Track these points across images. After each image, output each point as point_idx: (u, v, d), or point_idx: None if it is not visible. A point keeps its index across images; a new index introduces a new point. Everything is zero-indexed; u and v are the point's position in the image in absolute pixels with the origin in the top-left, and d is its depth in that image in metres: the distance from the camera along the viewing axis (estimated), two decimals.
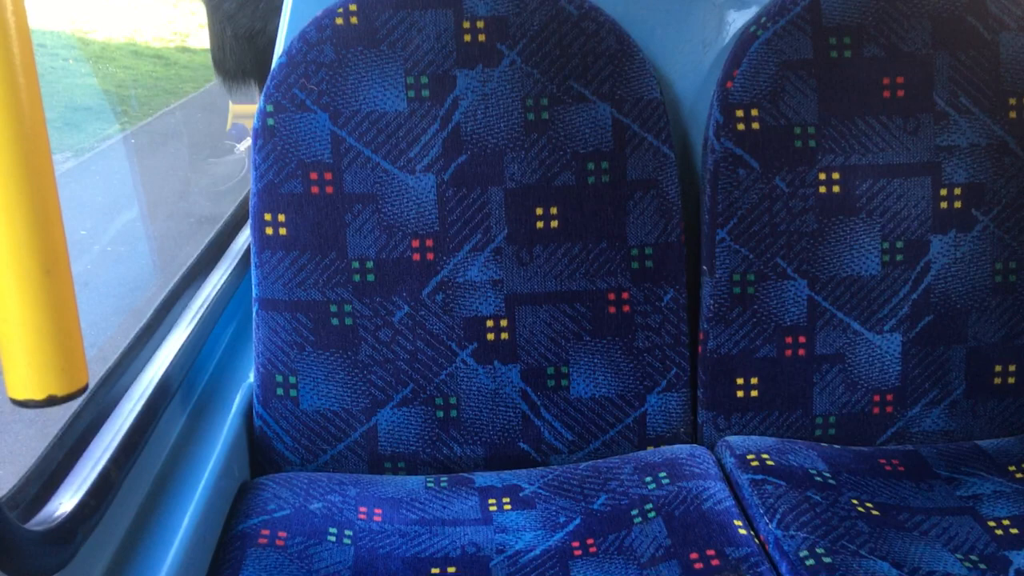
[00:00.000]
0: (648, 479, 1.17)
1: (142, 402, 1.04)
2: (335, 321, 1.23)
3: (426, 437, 1.25)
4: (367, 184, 1.22)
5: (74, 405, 0.99)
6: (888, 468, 1.20)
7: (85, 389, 0.63)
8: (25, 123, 0.61)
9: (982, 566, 1.03)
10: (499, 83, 1.23)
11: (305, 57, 1.21)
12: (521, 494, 1.18)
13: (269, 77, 1.22)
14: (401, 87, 1.22)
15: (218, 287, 1.35)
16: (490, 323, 1.24)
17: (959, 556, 1.04)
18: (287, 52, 1.22)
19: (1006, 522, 1.10)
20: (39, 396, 0.61)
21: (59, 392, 0.61)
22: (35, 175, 0.62)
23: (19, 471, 0.88)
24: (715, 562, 1.02)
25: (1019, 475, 1.19)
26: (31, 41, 0.62)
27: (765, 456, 1.20)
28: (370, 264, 1.23)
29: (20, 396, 0.61)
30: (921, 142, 1.25)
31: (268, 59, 1.42)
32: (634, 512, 1.12)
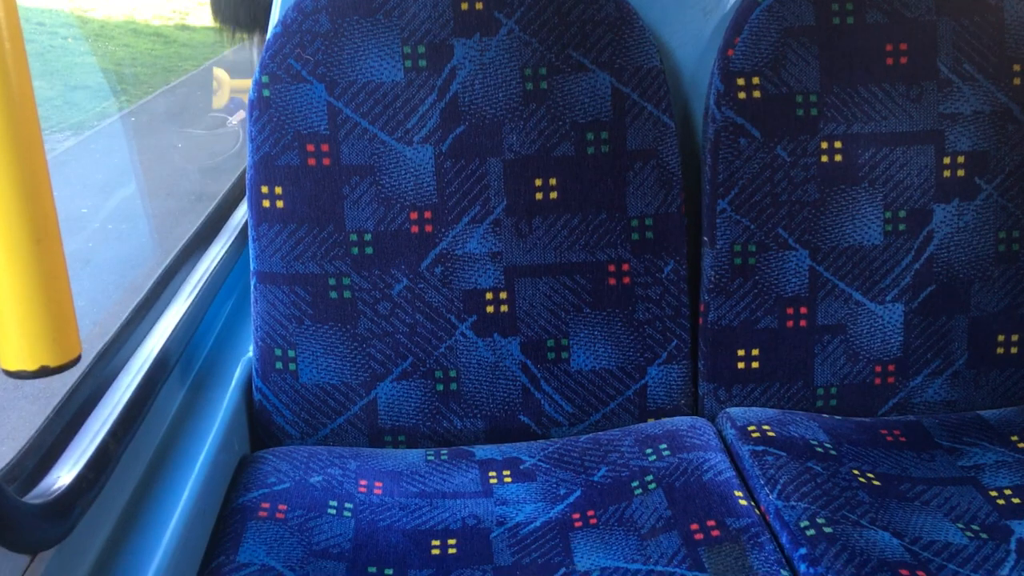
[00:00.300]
0: (649, 451, 1.17)
1: (141, 376, 1.04)
2: (334, 294, 1.22)
3: (426, 410, 1.25)
4: (364, 156, 1.21)
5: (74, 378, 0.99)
6: (889, 439, 1.20)
7: (78, 360, 0.63)
8: (13, 95, 0.60)
9: (983, 536, 1.02)
10: (497, 52, 1.22)
11: (300, 27, 1.20)
12: (521, 467, 1.18)
13: (264, 47, 1.21)
14: (398, 57, 1.21)
15: (216, 261, 1.34)
16: (489, 295, 1.24)
17: (960, 526, 1.04)
18: (282, 22, 1.20)
19: (1008, 492, 1.10)
20: (31, 367, 0.61)
21: (51, 363, 0.61)
22: (24, 146, 0.61)
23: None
24: (715, 533, 1.02)
25: (1021, 445, 1.18)
26: (18, 13, 0.61)
27: (766, 427, 1.19)
28: (368, 237, 1.22)
29: (12, 367, 0.61)
30: (924, 110, 1.24)
31: (265, 13, 1.41)
32: (634, 484, 1.12)
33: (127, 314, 1.15)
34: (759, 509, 1.08)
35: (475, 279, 1.23)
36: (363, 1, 1.20)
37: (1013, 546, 1.01)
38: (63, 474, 0.85)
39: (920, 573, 0.95)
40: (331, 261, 1.22)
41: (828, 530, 1.00)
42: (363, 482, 1.14)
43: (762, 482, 1.10)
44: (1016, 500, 1.08)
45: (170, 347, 1.13)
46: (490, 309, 1.24)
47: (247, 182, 1.22)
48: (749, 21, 1.23)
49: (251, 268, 1.23)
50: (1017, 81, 1.24)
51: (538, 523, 1.08)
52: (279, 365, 1.23)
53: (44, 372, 0.61)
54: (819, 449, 1.15)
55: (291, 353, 1.22)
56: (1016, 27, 1.24)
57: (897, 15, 1.23)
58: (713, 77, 1.25)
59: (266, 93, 1.20)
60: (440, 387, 1.24)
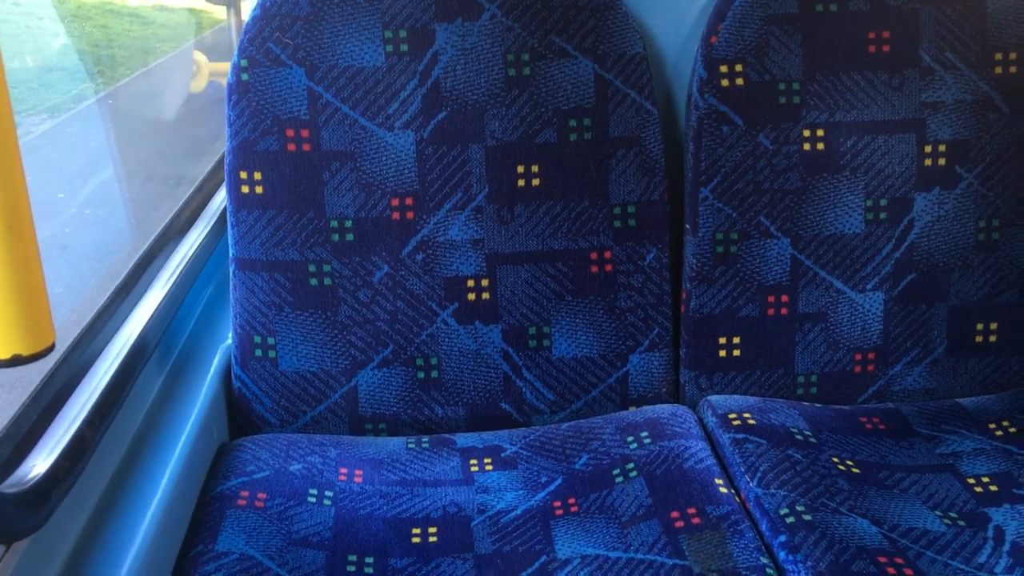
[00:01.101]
0: (630, 439, 1.17)
1: (118, 363, 1.03)
2: (314, 281, 1.21)
3: (407, 398, 1.24)
4: (345, 141, 1.20)
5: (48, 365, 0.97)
6: (869, 426, 1.21)
7: (51, 348, 0.62)
8: None
9: (961, 523, 1.03)
10: (479, 37, 1.21)
11: (279, 10, 1.18)
12: (503, 454, 1.18)
13: (243, 30, 1.19)
14: (379, 41, 1.20)
15: (195, 247, 1.33)
16: (471, 283, 1.23)
17: (939, 513, 1.05)
18: (261, 5, 1.18)
19: (986, 479, 1.11)
20: (3, 355, 0.59)
21: (24, 351, 0.60)
22: None
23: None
24: (696, 520, 1.02)
25: (999, 433, 1.19)
26: None
27: (747, 415, 1.19)
28: (349, 223, 1.21)
29: None
30: (906, 98, 1.24)
31: None
32: (616, 472, 1.12)
33: (104, 300, 1.13)
34: (739, 497, 1.08)
35: (457, 266, 1.23)
36: None
37: (991, 533, 1.01)
38: (39, 463, 0.84)
39: (898, 560, 0.96)
40: (311, 248, 1.21)
41: (808, 518, 1.01)
42: (343, 470, 1.13)
43: (742, 470, 1.10)
44: (993, 487, 1.09)
45: (148, 334, 1.11)
46: (472, 296, 1.23)
47: (226, 167, 1.20)
48: (732, 8, 1.22)
49: (230, 254, 1.22)
50: (999, 70, 1.24)
51: (519, 511, 1.08)
52: (258, 352, 1.22)
53: (17, 361, 0.60)
54: (799, 437, 1.16)
55: (271, 340, 1.21)
56: (998, 16, 1.24)
57: (880, 3, 1.23)
58: (696, 64, 1.24)
59: (245, 77, 1.18)
60: (421, 375, 1.24)
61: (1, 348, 0.59)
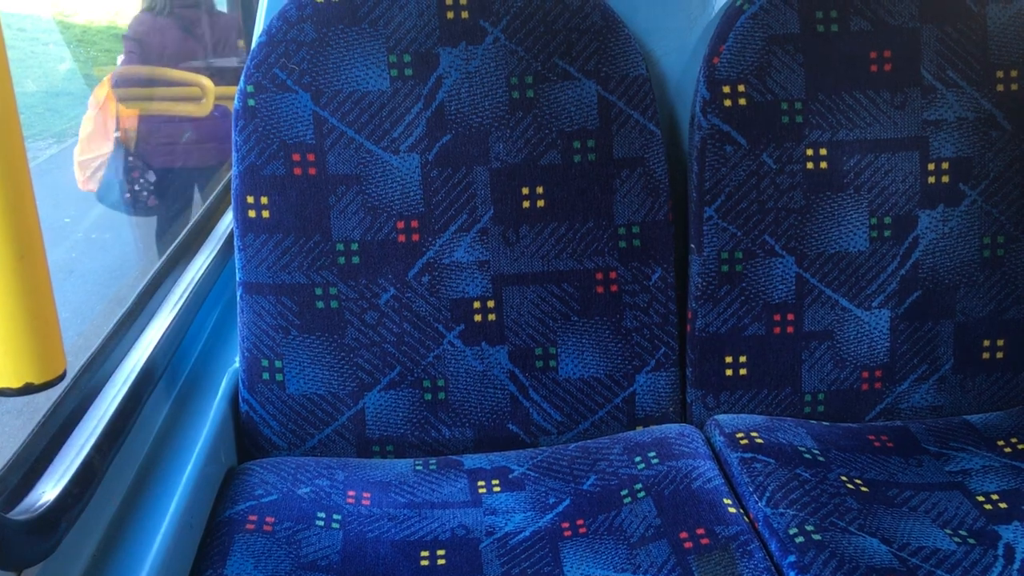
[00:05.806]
0: (637, 459, 1.17)
1: (126, 388, 1.03)
2: (320, 304, 1.22)
3: (414, 420, 1.24)
4: (351, 165, 1.21)
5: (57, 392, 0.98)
6: (877, 444, 1.21)
7: (63, 377, 0.62)
8: None
9: (971, 541, 1.03)
10: (483, 61, 1.22)
11: (285, 36, 1.19)
12: (510, 476, 1.18)
13: (249, 57, 1.20)
14: (383, 66, 1.21)
15: (202, 271, 1.33)
16: (477, 304, 1.23)
17: (948, 531, 1.05)
18: (267, 31, 1.20)
19: (995, 497, 1.10)
20: (15, 384, 0.60)
21: (36, 380, 0.60)
22: (6, 159, 0.60)
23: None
24: (705, 541, 1.02)
25: (1008, 449, 1.19)
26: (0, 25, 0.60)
27: (754, 434, 1.19)
28: (355, 246, 1.21)
29: None
30: (908, 116, 1.24)
31: None
32: (624, 492, 1.12)
33: (112, 326, 1.14)
34: (748, 516, 1.08)
35: (463, 288, 1.23)
36: (348, 10, 1.20)
37: (1001, 551, 1.01)
38: (48, 489, 0.84)
39: None
40: (318, 271, 1.21)
41: (817, 537, 1.01)
42: (351, 493, 1.13)
43: (751, 489, 1.10)
44: (1003, 505, 1.09)
45: (155, 359, 1.12)
46: (478, 318, 1.24)
47: (232, 192, 1.21)
48: (734, 29, 1.23)
49: (237, 278, 1.22)
50: (1000, 87, 1.25)
51: (527, 533, 1.07)
52: (266, 376, 1.22)
53: (28, 389, 0.60)
54: (807, 455, 1.16)
55: (278, 364, 1.22)
56: (998, 34, 1.25)
57: (881, 23, 1.24)
58: (699, 85, 1.25)
59: (251, 103, 1.19)
60: (428, 396, 1.24)
61: (13, 377, 0.60)
